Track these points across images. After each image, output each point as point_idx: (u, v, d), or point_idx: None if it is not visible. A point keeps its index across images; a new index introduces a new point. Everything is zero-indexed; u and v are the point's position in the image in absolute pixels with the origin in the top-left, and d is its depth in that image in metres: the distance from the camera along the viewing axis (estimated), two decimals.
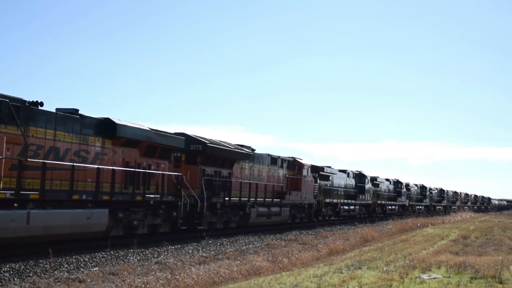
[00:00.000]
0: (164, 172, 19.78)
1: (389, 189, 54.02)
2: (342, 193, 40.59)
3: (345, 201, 41.02)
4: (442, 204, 76.11)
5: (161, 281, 11.54)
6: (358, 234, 25.86)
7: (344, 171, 41.97)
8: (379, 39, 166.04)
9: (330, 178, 38.07)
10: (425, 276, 10.30)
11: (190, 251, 17.69)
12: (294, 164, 31.70)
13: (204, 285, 12.03)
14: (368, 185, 46.57)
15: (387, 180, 54.14)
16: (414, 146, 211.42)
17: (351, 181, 43.13)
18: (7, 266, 12.52)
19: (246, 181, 25.74)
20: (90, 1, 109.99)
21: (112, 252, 15.74)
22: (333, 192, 38.44)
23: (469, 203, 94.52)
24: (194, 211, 21.04)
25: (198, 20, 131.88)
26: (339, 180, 40.28)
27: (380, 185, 50.57)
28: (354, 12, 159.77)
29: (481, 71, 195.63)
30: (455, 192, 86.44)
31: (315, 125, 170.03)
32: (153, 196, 18.89)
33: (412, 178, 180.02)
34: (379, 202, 49.70)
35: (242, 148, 25.47)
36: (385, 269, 11.67)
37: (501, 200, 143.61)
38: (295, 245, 20.95)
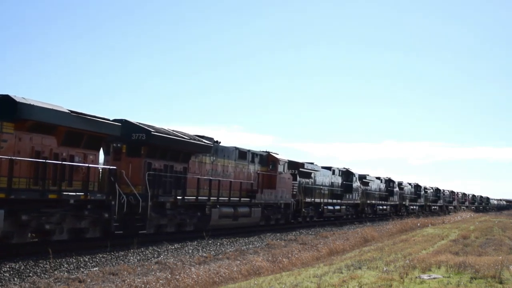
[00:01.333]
0: (90, 165, 16.36)
1: (380, 188, 50.75)
2: (326, 192, 37.13)
3: (330, 200, 37.56)
4: (438, 204, 73.34)
5: (161, 281, 11.55)
6: (358, 234, 25.87)
7: (328, 168, 38.59)
8: (379, 39, 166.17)
9: (312, 175, 34.63)
10: (425, 276, 10.31)
11: (190, 251, 17.69)
12: (267, 159, 28.23)
13: (204, 285, 12.04)
14: (356, 184, 42.98)
15: (378, 178, 50.87)
16: (414, 146, 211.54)
17: (337, 179, 39.74)
18: (7, 266, 12.52)
19: (205, 177, 22.37)
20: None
21: (112, 252, 15.74)
22: (315, 190, 34.86)
23: (466, 203, 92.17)
24: (136, 212, 18.03)
25: (199, 20, 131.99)
26: (323, 178, 36.75)
27: (369, 184, 47.30)
28: (353, 12, 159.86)
29: (481, 71, 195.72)
30: (452, 192, 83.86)
31: (315, 125, 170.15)
32: (74, 194, 15.51)
33: (412, 178, 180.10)
34: (368, 201, 46.29)
35: (201, 139, 21.99)
36: (385, 269, 11.67)
37: (500, 200, 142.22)
38: (295, 245, 20.96)
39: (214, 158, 23.43)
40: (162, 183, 19.82)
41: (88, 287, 11.35)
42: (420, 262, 12.54)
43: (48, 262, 13.05)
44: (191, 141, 21.05)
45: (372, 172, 52.01)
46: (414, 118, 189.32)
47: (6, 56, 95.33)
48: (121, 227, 17.69)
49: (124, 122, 18.58)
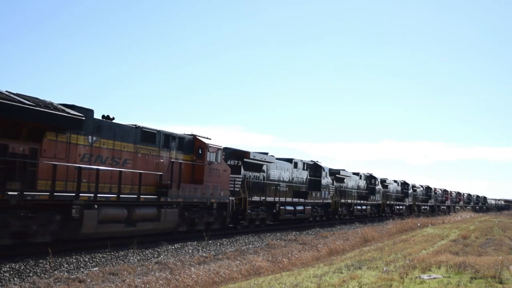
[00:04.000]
0: None
1: (358, 186, 44.81)
2: (285, 189, 30.44)
3: (290, 199, 30.72)
4: (429, 204, 67.40)
5: (161, 281, 11.57)
6: (358, 234, 25.90)
7: (289, 161, 31.96)
8: (378, 38, 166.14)
9: (264, 168, 28.13)
10: (425, 276, 10.31)
11: (190, 251, 17.70)
12: (193, 145, 21.36)
13: (204, 285, 12.05)
14: (327, 180, 36.43)
15: (356, 174, 44.82)
16: (413, 146, 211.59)
17: (301, 174, 33.08)
18: (7, 266, 12.52)
19: (73, 164, 15.48)
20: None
21: (112, 252, 15.76)
22: (268, 187, 28.33)
23: (461, 203, 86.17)
24: None
25: (199, 22, 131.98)
26: (280, 172, 30.08)
27: (345, 180, 41.31)
28: (352, 11, 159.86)
29: (481, 71, 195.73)
30: (445, 191, 77.56)
31: (315, 125, 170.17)
32: None
33: (411, 178, 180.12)
34: (343, 201, 40.17)
35: (65, 109, 15.06)
36: (385, 269, 11.68)
37: (499, 200, 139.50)
38: (295, 245, 20.95)
39: (95, 138, 16.57)
40: None
41: (88, 287, 11.36)
42: (420, 262, 12.55)
43: (48, 262, 13.06)
44: (40, 109, 13.99)
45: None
46: (414, 118, 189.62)
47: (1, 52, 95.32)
48: None
49: None
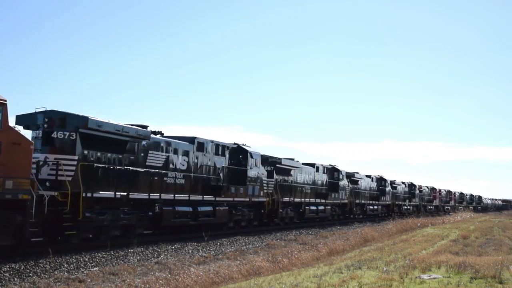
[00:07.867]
0: None
1: (314, 180, 34.25)
2: (181, 181, 20.60)
3: (185, 196, 20.76)
4: (412, 203, 58.70)
5: (160, 281, 11.58)
6: (358, 234, 25.92)
7: (191, 141, 21.60)
8: (377, 38, 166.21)
9: (134, 148, 18.23)
10: (425, 276, 10.31)
11: (190, 251, 17.70)
12: None
13: (204, 285, 12.06)
14: (257, 170, 26.09)
15: (311, 165, 34.44)
16: (413, 146, 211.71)
17: (213, 161, 22.82)
18: (7, 266, 12.53)
19: None
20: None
21: (112, 252, 15.75)
22: (142, 177, 18.43)
23: (451, 202, 78.98)
24: None
25: (199, 22, 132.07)
26: (170, 156, 20.07)
27: (292, 173, 30.69)
28: (352, 12, 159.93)
29: (481, 70, 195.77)
30: (432, 189, 68.41)
31: (315, 125, 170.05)
32: None
33: (411, 178, 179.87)
34: (287, 199, 29.82)
35: None
36: (385, 269, 11.69)
37: (495, 199, 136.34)
38: (295, 245, 20.95)
39: None
40: None
41: (88, 287, 11.36)
42: (420, 262, 12.56)
43: (48, 262, 13.07)
44: None
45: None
46: (414, 118, 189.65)
47: None
48: None
49: None
